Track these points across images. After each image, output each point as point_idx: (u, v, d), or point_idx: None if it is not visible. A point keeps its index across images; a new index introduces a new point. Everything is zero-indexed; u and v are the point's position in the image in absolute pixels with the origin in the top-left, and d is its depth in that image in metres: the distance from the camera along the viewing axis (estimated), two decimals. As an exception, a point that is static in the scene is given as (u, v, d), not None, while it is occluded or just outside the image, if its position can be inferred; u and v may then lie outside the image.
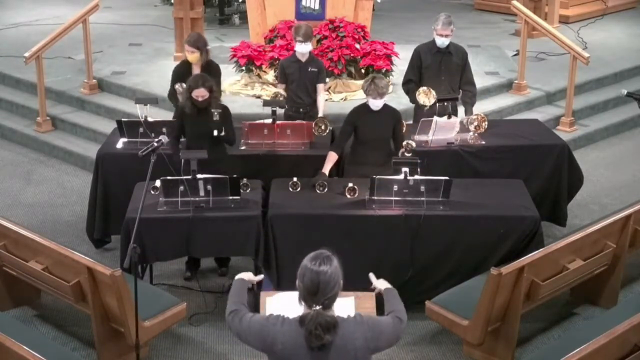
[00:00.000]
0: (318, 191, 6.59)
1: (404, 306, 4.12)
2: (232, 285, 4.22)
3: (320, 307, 3.74)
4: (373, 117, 6.77)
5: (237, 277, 4.29)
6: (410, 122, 7.69)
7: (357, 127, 6.82)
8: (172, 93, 7.48)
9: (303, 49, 7.51)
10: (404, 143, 6.77)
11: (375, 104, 6.73)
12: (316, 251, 3.87)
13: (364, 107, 6.83)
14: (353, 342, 3.77)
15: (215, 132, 6.61)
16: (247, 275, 4.31)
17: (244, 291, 4.17)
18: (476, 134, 7.37)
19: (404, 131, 7.36)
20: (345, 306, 4.13)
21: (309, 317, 3.73)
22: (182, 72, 7.48)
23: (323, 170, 6.75)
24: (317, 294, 3.74)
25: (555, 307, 6.63)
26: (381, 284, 4.36)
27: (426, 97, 7.36)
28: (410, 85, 7.63)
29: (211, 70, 7.36)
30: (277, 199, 6.54)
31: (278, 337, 3.77)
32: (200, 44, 7.40)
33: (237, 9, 12.39)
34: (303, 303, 3.81)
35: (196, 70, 7.41)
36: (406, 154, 6.70)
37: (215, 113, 6.61)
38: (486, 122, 7.41)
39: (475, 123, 7.39)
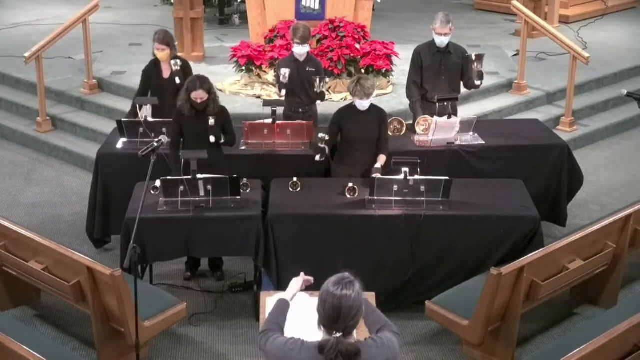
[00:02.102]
0: (317, 157, 6.60)
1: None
2: (274, 305, 4.05)
3: (341, 334, 3.59)
4: (359, 117, 6.76)
5: (280, 297, 4.11)
6: (411, 122, 7.69)
7: (342, 128, 6.81)
8: (142, 93, 7.51)
9: (300, 51, 7.51)
10: (320, 136, 6.66)
11: (362, 105, 6.72)
12: (338, 275, 3.68)
13: (351, 107, 6.83)
14: None
15: (213, 139, 6.59)
16: (290, 292, 4.12)
17: (284, 313, 3.98)
18: (476, 135, 7.37)
19: (403, 131, 7.40)
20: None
21: (329, 345, 3.57)
22: (151, 71, 7.53)
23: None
24: (338, 320, 3.58)
25: (555, 307, 6.63)
26: None
27: (425, 130, 7.33)
28: (413, 91, 7.60)
29: (184, 67, 7.41)
30: (277, 199, 6.54)
31: None
32: (169, 40, 7.43)
33: (237, 9, 12.40)
34: (322, 328, 3.66)
35: (165, 66, 7.44)
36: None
37: (211, 120, 6.59)
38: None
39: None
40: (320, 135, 6.66)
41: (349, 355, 3.55)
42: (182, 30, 10.13)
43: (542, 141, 7.50)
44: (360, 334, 4.04)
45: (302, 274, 4.26)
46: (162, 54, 7.39)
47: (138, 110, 7.43)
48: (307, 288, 4.35)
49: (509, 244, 6.39)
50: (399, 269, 6.42)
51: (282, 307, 4.01)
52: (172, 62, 7.34)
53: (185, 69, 7.45)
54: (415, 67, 7.59)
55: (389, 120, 7.11)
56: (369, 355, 3.62)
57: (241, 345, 6.22)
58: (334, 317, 3.58)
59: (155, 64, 7.51)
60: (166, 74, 7.45)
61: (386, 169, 6.64)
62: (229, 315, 6.59)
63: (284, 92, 7.49)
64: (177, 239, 6.32)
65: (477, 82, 7.56)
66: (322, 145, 6.63)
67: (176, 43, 7.68)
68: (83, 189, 8.27)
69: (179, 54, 7.76)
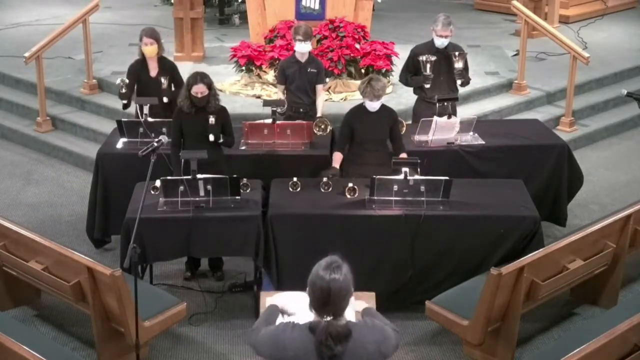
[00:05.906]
0: (322, 190, 6.58)
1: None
2: (265, 309, 4.16)
3: (332, 317, 3.67)
4: (370, 118, 6.77)
5: (271, 302, 4.19)
6: (410, 122, 7.69)
7: (354, 129, 6.81)
8: (123, 91, 7.46)
9: (303, 49, 7.50)
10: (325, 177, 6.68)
11: (372, 106, 6.73)
12: (327, 258, 3.76)
13: (361, 108, 6.83)
14: (365, 346, 3.72)
15: (212, 137, 6.58)
16: (282, 302, 4.19)
17: (274, 316, 4.07)
18: (476, 135, 7.38)
19: (403, 131, 7.39)
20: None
21: (320, 326, 3.66)
22: (138, 68, 7.49)
23: (334, 165, 6.77)
24: (328, 304, 3.66)
25: (555, 307, 6.63)
26: (358, 306, 4.28)
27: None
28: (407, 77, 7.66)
29: (166, 66, 7.41)
30: (277, 199, 6.54)
31: (288, 344, 3.71)
32: (157, 36, 7.40)
33: (237, 9, 12.40)
34: (313, 310, 3.74)
35: (152, 64, 7.42)
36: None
37: (211, 118, 6.59)
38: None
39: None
40: (325, 176, 6.67)
41: (339, 337, 3.65)
42: (182, 30, 10.13)
43: (542, 141, 7.51)
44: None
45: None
46: (151, 48, 7.33)
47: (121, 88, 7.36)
48: None
49: (509, 244, 6.38)
50: (399, 269, 6.42)
51: (273, 311, 4.12)
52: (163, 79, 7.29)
53: (173, 72, 7.44)
54: (409, 68, 7.61)
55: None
56: (359, 335, 3.72)
57: (241, 345, 6.21)
58: (324, 300, 3.67)
59: (142, 63, 7.46)
60: (153, 72, 7.41)
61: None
62: (229, 315, 6.59)
63: (282, 87, 7.56)
64: (177, 239, 6.32)
65: (458, 81, 7.57)
66: (331, 179, 6.65)
67: (162, 41, 7.60)
68: (83, 189, 8.27)
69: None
